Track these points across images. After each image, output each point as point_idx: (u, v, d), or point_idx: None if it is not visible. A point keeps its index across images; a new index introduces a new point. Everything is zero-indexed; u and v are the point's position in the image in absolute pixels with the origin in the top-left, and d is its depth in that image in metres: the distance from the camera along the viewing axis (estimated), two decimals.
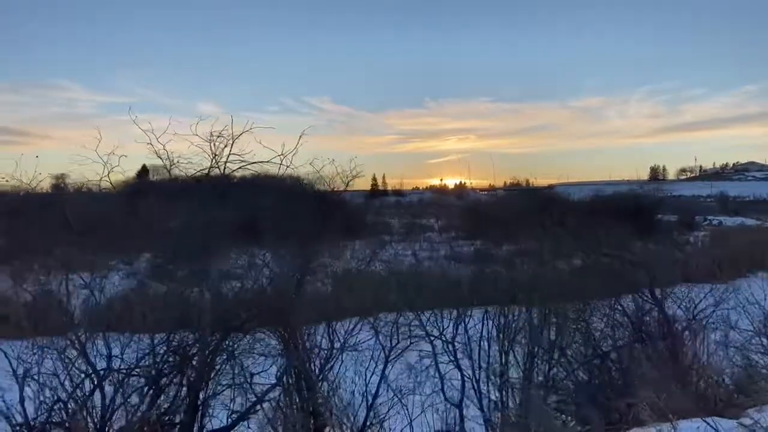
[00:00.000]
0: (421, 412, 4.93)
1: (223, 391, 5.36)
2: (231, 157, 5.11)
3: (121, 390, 5.33)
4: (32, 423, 5.40)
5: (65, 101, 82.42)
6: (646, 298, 6.47)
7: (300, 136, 5.46)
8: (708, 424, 3.60)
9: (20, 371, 5.49)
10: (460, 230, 31.34)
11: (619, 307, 6.50)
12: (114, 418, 5.24)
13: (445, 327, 4.91)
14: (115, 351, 5.73)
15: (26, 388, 5.46)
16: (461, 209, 41.98)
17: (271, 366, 5.73)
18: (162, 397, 5.37)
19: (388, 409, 4.92)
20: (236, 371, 5.37)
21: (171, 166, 4.99)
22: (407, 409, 4.78)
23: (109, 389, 5.39)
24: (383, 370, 5.23)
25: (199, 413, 5.18)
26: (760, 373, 5.01)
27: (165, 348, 5.56)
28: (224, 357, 5.42)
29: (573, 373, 5.68)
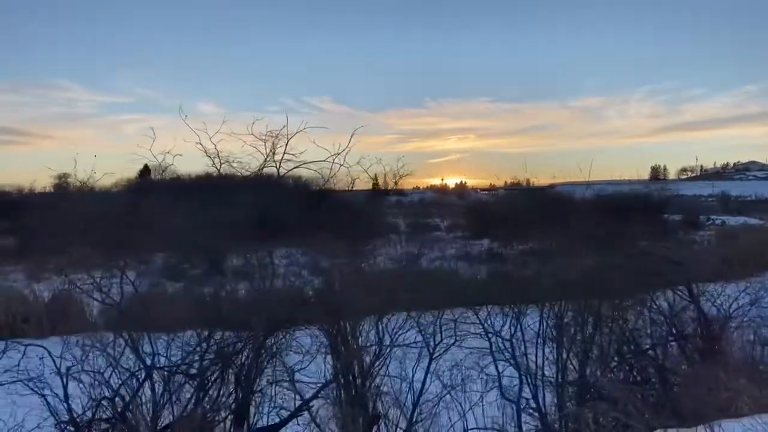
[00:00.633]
0: (469, 409, 4.96)
1: (270, 387, 5.39)
2: (285, 156, 5.13)
3: (167, 387, 5.36)
4: (78, 419, 5.43)
5: (65, 101, 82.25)
6: (682, 294, 6.47)
7: (351, 135, 5.48)
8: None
9: (63, 368, 5.52)
10: (466, 230, 31.34)
11: (654, 305, 6.50)
12: (162, 414, 5.26)
13: (491, 323, 4.94)
14: (151, 349, 5.76)
15: (70, 385, 5.50)
16: (466, 209, 41.97)
17: (310, 363, 5.75)
18: (208, 394, 5.39)
19: (437, 404, 4.95)
20: (283, 368, 5.40)
21: (221, 165, 5.01)
22: (459, 404, 4.81)
23: (155, 386, 5.41)
24: (428, 366, 5.26)
25: (249, 410, 5.20)
26: None
27: (208, 346, 5.58)
28: (270, 354, 5.45)
29: (613, 371, 5.69)
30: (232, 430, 5.14)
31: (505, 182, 70.66)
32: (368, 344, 5.21)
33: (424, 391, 5.19)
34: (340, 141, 5.35)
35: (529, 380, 4.60)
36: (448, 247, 23.17)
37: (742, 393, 3.77)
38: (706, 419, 3.64)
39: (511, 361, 4.68)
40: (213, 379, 5.43)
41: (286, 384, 5.37)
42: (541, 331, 4.80)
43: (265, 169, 5.03)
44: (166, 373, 5.50)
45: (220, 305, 5.91)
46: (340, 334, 5.21)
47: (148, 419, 5.16)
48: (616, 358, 5.89)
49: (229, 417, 5.34)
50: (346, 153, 5.41)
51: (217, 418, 5.37)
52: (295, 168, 5.21)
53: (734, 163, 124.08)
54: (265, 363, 5.46)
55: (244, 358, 5.51)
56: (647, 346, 6.14)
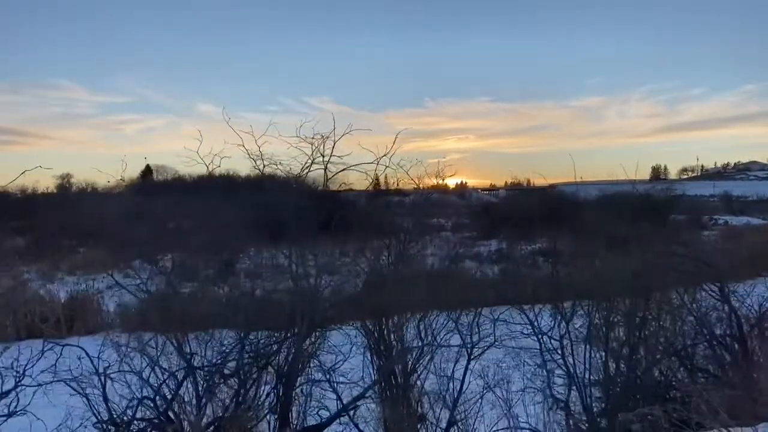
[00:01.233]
0: (510, 408, 4.99)
1: (310, 387, 5.42)
2: (332, 159, 5.16)
3: (208, 386, 5.40)
4: (117, 419, 5.47)
5: (65, 101, 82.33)
6: (713, 293, 6.48)
7: (396, 136, 5.51)
8: None
9: (101, 368, 5.55)
10: (473, 230, 31.39)
11: (687, 304, 6.50)
12: (202, 414, 5.30)
13: (538, 323, 4.96)
14: (189, 348, 5.79)
15: (108, 385, 5.53)
16: (470, 209, 42.02)
17: (343, 363, 5.78)
18: (249, 394, 5.42)
19: (480, 403, 4.98)
20: (322, 367, 5.43)
21: (264, 167, 5.04)
22: (502, 404, 4.84)
23: (195, 387, 5.45)
24: (467, 365, 5.29)
25: (290, 410, 5.23)
26: None
27: (247, 345, 5.61)
28: (309, 353, 5.48)
29: (646, 372, 5.70)
30: (275, 429, 5.18)
31: (506, 182, 70.65)
32: (410, 344, 5.24)
33: (463, 390, 5.22)
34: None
35: (577, 380, 4.63)
36: (455, 248, 23.19)
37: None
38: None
39: (560, 361, 4.71)
40: (253, 378, 5.47)
41: (325, 384, 5.40)
42: (588, 331, 4.82)
43: (310, 172, 5.05)
44: (204, 372, 5.54)
45: (258, 304, 5.94)
46: (381, 333, 5.24)
47: (192, 418, 5.20)
48: (662, 358, 5.87)
49: (271, 416, 5.38)
50: (392, 154, 5.44)
51: (257, 418, 5.41)
52: (342, 171, 5.23)
53: (735, 163, 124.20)
54: (305, 362, 5.49)
55: (282, 357, 5.54)
56: (680, 347, 6.16)
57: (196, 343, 5.72)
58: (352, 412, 4.98)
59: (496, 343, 5.17)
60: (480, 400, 4.98)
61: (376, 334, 5.28)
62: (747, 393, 5.43)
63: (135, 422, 5.40)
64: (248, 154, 5.01)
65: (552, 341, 4.77)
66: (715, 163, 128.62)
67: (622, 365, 4.81)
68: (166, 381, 5.43)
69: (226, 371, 5.51)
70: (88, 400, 5.37)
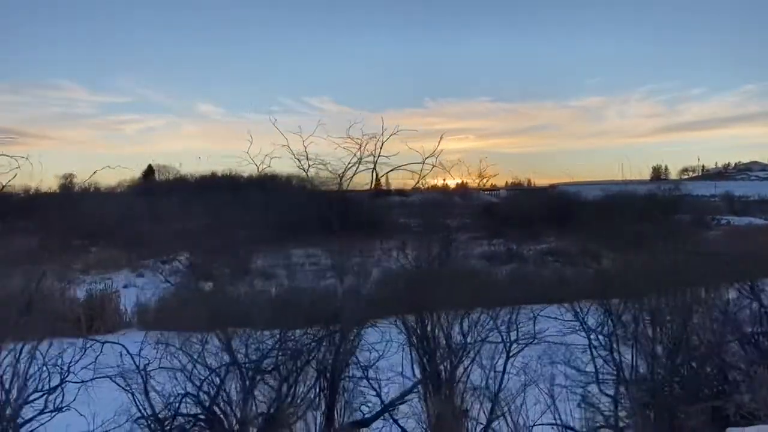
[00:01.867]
0: (552, 403, 5.05)
1: (351, 383, 5.47)
2: (380, 159, 5.21)
3: (251, 383, 5.45)
4: (160, 415, 5.52)
5: (65, 101, 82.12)
6: (743, 291, 6.53)
7: (440, 138, 5.56)
8: None
9: (142, 365, 5.60)
10: (477, 229, 31.37)
11: (717, 302, 6.55)
12: (249, 410, 5.35)
13: (584, 319, 5.02)
14: (230, 345, 5.84)
15: (150, 382, 5.58)
16: (473, 209, 41.93)
17: (379, 359, 5.83)
18: (291, 390, 5.48)
19: (523, 399, 5.04)
20: (363, 364, 5.49)
21: (309, 167, 5.09)
22: (545, 399, 4.90)
23: (238, 383, 5.50)
24: (507, 361, 5.35)
25: (334, 406, 5.29)
26: None
27: (288, 342, 5.67)
28: (350, 350, 5.53)
29: (677, 369, 5.75)
30: (320, 425, 5.23)
31: (506, 182, 70.63)
32: (453, 341, 5.30)
33: (503, 387, 5.28)
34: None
35: (623, 376, 4.70)
36: (461, 248, 23.26)
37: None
38: None
39: (608, 357, 4.77)
40: (294, 375, 5.52)
41: (367, 380, 5.46)
42: (633, 327, 4.88)
43: (356, 172, 5.10)
44: (246, 369, 5.59)
45: (297, 302, 5.99)
46: (423, 330, 5.30)
47: (238, 414, 5.25)
48: (681, 356, 5.93)
49: (313, 412, 5.43)
50: (439, 154, 5.49)
51: (299, 413, 5.46)
52: (390, 171, 5.28)
53: (736, 163, 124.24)
54: (346, 359, 5.55)
55: (323, 354, 5.59)
56: (711, 344, 6.20)
57: (237, 341, 5.78)
58: (403, 407, 5.03)
59: (536, 339, 5.23)
60: (523, 396, 5.03)
61: (419, 331, 5.33)
62: None
63: (179, 417, 5.45)
64: (293, 155, 5.06)
65: (600, 337, 4.83)
66: (716, 163, 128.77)
67: (667, 361, 4.87)
68: (209, 377, 5.48)
69: (267, 368, 5.56)
70: (133, 395, 5.42)
